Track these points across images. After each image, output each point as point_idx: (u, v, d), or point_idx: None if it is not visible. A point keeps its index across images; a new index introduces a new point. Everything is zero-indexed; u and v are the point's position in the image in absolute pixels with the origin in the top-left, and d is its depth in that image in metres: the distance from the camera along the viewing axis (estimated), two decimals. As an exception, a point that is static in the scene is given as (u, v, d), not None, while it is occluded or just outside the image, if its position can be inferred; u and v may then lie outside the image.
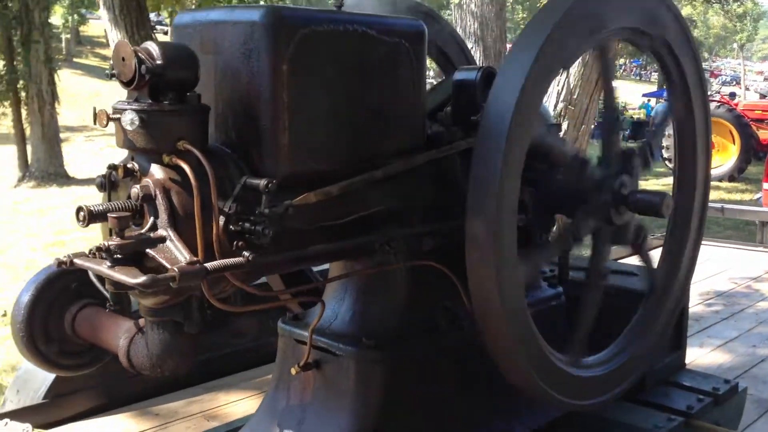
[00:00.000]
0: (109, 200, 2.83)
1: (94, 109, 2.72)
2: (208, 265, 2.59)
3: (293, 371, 3.42)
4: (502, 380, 3.48)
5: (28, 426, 3.99)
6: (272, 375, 3.72)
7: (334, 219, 3.10)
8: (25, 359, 3.32)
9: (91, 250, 2.64)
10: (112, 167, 2.78)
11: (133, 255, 2.58)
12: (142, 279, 2.46)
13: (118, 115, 2.68)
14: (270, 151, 2.89)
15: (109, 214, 2.56)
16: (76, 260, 2.62)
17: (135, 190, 2.66)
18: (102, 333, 3.17)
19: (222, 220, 2.73)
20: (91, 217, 2.62)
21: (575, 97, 8.96)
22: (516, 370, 3.44)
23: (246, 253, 2.69)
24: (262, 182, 2.74)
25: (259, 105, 2.87)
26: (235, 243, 2.75)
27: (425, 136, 3.47)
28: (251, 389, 5.07)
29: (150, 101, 2.74)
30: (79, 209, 2.63)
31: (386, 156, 3.26)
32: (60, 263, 2.61)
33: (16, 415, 4.38)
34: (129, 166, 2.77)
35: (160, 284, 2.47)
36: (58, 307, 3.26)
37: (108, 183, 2.81)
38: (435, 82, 4.24)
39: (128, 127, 2.66)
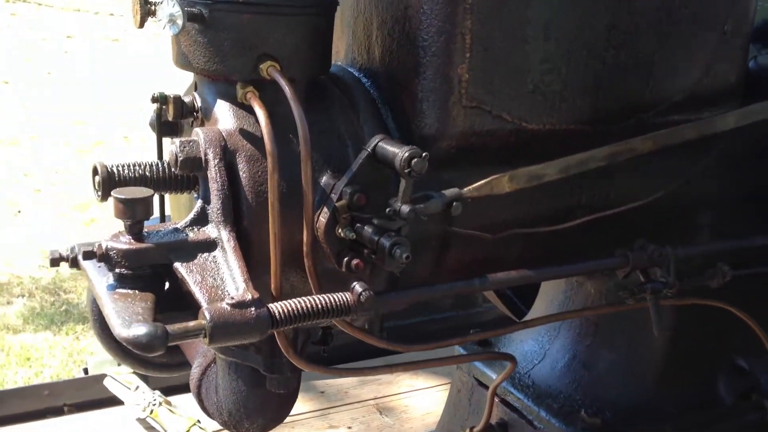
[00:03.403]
0: (159, 151, 1.61)
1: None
2: (276, 309, 1.29)
3: (462, 436, 2.09)
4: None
5: (157, 393, 3.15)
6: (440, 419, 2.42)
7: (543, 222, 1.63)
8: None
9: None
10: (161, 99, 1.53)
11: (153, 270, 1.36)
12: (138, 330, 1.21)
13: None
14: (434, 90, 1.47)
15: (113, 194, 1.34)
16: (81, 259, 1.44)
17: (173, 147, 1.41)
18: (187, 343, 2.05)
19: (324, 216, 1.40)
20: (109, 183, 1.42)
21: None
22: None
23: (360, 290, 1.35)
24: (401, 153, 1.35)
25: (421, 3, 1.45)
26: (345, 260, 1.42)
27: (744, 74, 1.82)
28: (442, 375, 3.84)
29: (219, -15, 1.44)
30: (94, 170, 1.44)
31: (659, 110, 1.68)
32: (54, 260, 1.45)
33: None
34: (186, 99, 1.52)
35: (160, 346, 1.22)
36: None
37: (158, 124, 1.58)
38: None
39: (168, 30, 1.38)
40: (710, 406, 2.04)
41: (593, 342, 2.05)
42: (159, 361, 2.29)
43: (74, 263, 1.45)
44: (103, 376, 3.30)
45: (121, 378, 3.21)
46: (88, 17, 14.25)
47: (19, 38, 12.51)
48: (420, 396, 3.72)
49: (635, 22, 1.58)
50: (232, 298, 1.25)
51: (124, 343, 1.22)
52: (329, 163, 1.45)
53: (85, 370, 3.52)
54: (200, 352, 1.88)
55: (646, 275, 1.66)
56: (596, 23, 1.55)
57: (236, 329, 1.23)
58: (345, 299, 1.34)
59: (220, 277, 1.31)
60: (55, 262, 1.46)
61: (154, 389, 3.19)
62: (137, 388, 3.18)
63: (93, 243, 1.36)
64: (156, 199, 1.60)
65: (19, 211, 6.63)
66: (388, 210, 1.36)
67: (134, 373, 3.32)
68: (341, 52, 1.69)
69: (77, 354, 4.63)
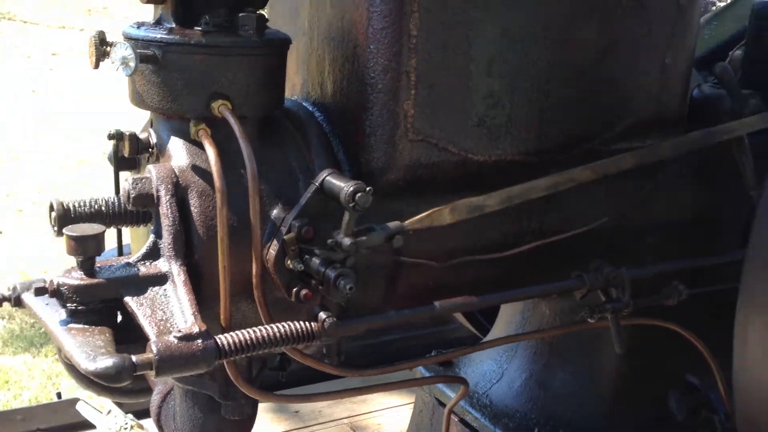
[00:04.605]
0: (117, 187, 1.65)
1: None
2: (223, 340, 1.33)
3: (422, 458, 2.12)
4: None
5: (129, 417, 3.16)
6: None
7: (493, 248, 1.68)
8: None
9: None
10: (117, 136, 1.58)
11: (106, 305, 1.40)
12: (105, 363, 1.25)
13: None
14: (381, 125, 1.52)
15: (64, 231, 1.37)
16: (25, 297, 1.47)
17: (125, 184, 1.45)
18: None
19: (274, 248, 1.44)
20: (64, 219, 1.46)
21: None
22: None
23: (324, 317, 1.40)
24: (346, 187, 1.39)
25: (367, 40, 1.50)
26: (295, 291, 1.46)
27: (686, 104, 1.88)
28: (413, 393, 3.86)
29: (173, 25, 1.49)
30: (50, 207, 1.48)
31: (604, 139, 1.73)
32: None
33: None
34: (142, 137, 1.56)
35: (127, 377, 1.26)
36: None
37: (115, 159, 1.62)
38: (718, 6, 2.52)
39: (122, 72, 1.43)
40: (663, 423, 2.09)
41: (548, 361, 2.09)
42: (124, 387, 2.32)
43: (17, 302, 1.48)
44: (76, 400, 3.30)
45: (94, 402, 3.22)
46: (74, 34, 14.23)
47: (3, 55, 12.52)
48: (393, 414, 3.74)
49: (577, 57, 1.64)
50: (180, 330, 1.28)
51: (91, 377, 1.25)
52: (280, 197, 1.49)
53: (59, 395, 3.52)
54: (160, 380, 1.91)
55: (608, 295, 1.71)
56: (538, 59, 1.60)
57: (183, 361, 1.27)
58: (307, 326, 1.38)
59: (170, 311, 1.35)
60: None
61: (126, 413, 3.20)
62: (109, 412, 3.17)
63: (39, 280, 1.39)
64: (114, 232, 1.65)
65: (1, 232, 6.62)
66: (330, 241, 1.40)
67: (107, 395, 3.33)
68: (297, 86, 1.74)
69: (56, 376, 4.61)
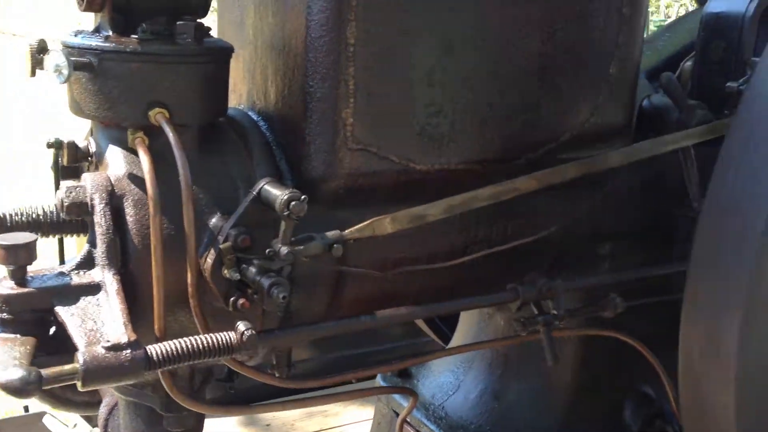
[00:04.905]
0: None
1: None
2: (153, 350, 1.30)
3: (376, 470, 2.10)
4: None
5: (96, 431, 3.10)
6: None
7: (440, 258, 1.67)
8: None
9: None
10: (56, 145, 1.56)
11: (38, 314, 1.37)
12: (12, 375, 1.20)
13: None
14: (320, 134, 1.50)
15: (-3, 241, 1.35)
16: None
17: (59, 193, 1.43)
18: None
19: (211, 257, 1.42)
20: (0, 228, 1.44)
21: None
22: None
23: (243, 329, 1.37)
24: (281, 196, 1.38)
25: (306, 49, 1.49)
26: (232, 300, 1.44)
27: (633, 113, 1.87)
28: (387, 406, 3.83)
29: (109, 33, 1.47)
30: (-10, 215, 1.46)
31: (548, 149, 1.72)
32: None
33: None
34: (81, 145, 1.54)
35: (34, 390, 1.22)
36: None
37: (55, 168, 1.60)
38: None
39: (56, 80, 1.41)
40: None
41: (503, 373, 2.07)
42: (80, 400, 2.29)
43: None
44: (43, 413, 3.26)
45: (61, 416, 3.17)
46: (62, 47, 14.25)
47: (-8, 68, 12.53)
48: (364, 427, 3.70)
49: (518, 68, 1.63)
50: (108, 341, 1.26)
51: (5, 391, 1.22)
52: (219, 206, 1.47)
53: (26, 408, 3.46)
54: (108, 392, 1.88)
55: (539, 307, 1.69)
56: (480, 70, 1.59)
57: (110, 372, 1.24)
58: (228, 338, 1.36)
59: (101, 321, 1.32)
60: None
61: (93, 426, 3.15)
62: (75, 425, 3.13)
63: None
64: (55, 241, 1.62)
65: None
66: (268, 251, 1.38)
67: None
68: (244, 95, 1.73)
69: (30, 389, 4.56)
